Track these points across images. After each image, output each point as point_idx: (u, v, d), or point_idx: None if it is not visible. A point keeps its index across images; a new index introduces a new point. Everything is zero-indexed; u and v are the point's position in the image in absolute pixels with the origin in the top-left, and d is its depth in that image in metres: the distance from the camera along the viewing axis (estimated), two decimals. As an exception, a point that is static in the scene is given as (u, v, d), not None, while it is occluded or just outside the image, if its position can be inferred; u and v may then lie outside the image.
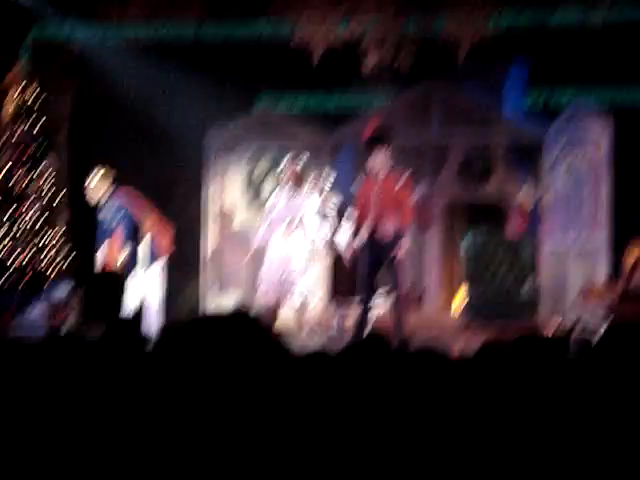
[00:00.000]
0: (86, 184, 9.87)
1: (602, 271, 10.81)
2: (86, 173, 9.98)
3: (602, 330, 9.53)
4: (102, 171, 9.87)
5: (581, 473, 2.30)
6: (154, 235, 9.87)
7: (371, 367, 2.99)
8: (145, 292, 9.83)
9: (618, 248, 10.50)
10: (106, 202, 9.85)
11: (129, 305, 9.79)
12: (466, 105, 11.73)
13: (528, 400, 2.71)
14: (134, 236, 9.79)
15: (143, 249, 9.79)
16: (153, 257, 9.85)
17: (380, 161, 9.11)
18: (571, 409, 2.61)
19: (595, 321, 9.56)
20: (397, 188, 9.20)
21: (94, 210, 10.00)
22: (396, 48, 11.16)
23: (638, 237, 11.08)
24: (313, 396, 2.69)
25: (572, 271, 11.14)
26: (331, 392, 2.78)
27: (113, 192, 9.88)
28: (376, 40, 11.25)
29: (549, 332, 10.33)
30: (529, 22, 11.20)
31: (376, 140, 9.19)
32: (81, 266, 11.02)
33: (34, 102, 11.34)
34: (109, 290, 10.07)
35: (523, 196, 11.42)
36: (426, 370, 2.89)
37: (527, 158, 11.59)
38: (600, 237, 10.87)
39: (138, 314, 9.56)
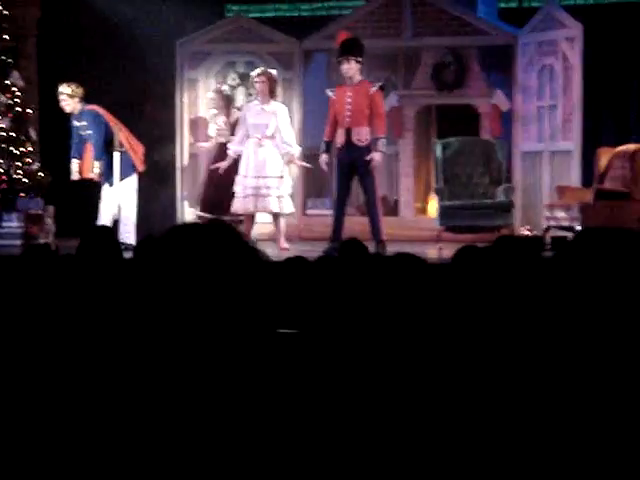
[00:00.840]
0: (58, 95, 9.77)
1: (575, 172, 10.84)
2: (56, 84, 9.86)
3: (577, 227, 9.63)
4: (73, 84, 9.77)
5: (559, 365, 2.34)
6: (128, 148, 9.83)
7: (350, 271, 3.02)
8: (120, 203, 9.81)
9: (590, 150, 10.52)
10: (79, 113, 9.78)
11: (104, 215, 9.77)
12: (438, 8, 11.61)
13: (506, 300, 2.74)
14: (109, 146, 9.74)
15: (117, 160, 9.74)
16: (128, 169, 9.81)
17: (352, 70, 9.15)
18: (547, 308, 2.64)
19: (570, 219, 9.62)
20: (370, 95, 9.20)
21: (66, 122, 9.91)
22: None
23: (610, 138, 11.13)
24: (293, 301, 2.73)
25: (546, 172, 11.17)
26: (311, 296, 2.81)
27: (85, 104, 9.80)
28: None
29: (524, 232, 10.41)
30: None
31: (347, 50, 9.19)
32: (55, 178, 10.95)
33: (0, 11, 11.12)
34: (84, 199, 10.04)
35: (497, 98, 11.39)
36: (405, 274, 2.91)
37: (501, 60, 11.53)
38: (573, 138, 10.88)
39: (113, 224, 9.56)
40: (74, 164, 9.92)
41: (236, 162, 9.96)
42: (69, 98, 9.76)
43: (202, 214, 10.44)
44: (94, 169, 9.82)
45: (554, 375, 2.33)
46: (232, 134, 10.38)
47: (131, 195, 9.87)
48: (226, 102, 10.88)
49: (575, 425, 2.24)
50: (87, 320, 2.89)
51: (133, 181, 9.90)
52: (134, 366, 2.27)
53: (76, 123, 9.84)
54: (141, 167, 9.94)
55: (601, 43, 11.13)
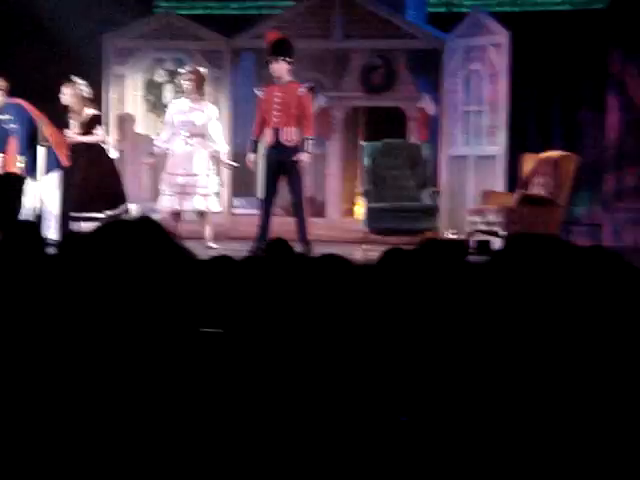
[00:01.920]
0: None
1: (500, 177, 10.96)
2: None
3: (501, 232, 9.74)
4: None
5: (482, 369, 2.36)
6: (53, 143, 9.71)
7: (276, 271, 3.02)
8: (44, 197, 9.70)
9: (515, 155, 10.65)
10: (3, 106, 9.65)
11: (27, 210, 9.65)
12: (368, 11, 11.67)
13: (432, 303, 2.76)
14: (33, 140, 9.62)
15: (42, 155, 9.63)
16: (52, 164, 9.70)
17: (281, 70, 9.15)
18: (473, 312, 2.66)
19: (493, 223, 9.72)
20: (298, 96, 9.21)
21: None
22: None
23: (534, 145, 11.28)
24: (220, 300, 2.72)
25: (471, 176, 11.28)
26: (237, 296, 2.81)
27: (9, 98, 9.68)
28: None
29: (449, 236, 10.51)
30: None
31: (277, 50, 9.19)
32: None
33: None
34: (7, 193, 9.90)
35: (424, 102, 11.47)
36: (331, 275, 2.92)
37: (428, 64, 11.62)
38: (498, 143, 11.00)
39: (37, 219, 9.44)
40: (-2, 155, 9.79)
41: (105, 156, 9.76)
42: (-5, 90, 9.63)
43: (76, 214, 9.84)
44: (17, 163, 9.69)
45: (485, 382, 2.35)
46: (85, 132, 9.92)
47: (54, 190, 9.77)
48: (79, 99, 9.99)
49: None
50: (7, 315, 2.85)
51: (57, 176, 9.79)
52: (56, 365, 2.23)
53: (0, 117, 9.71)
54: (65, 162, 9.83)
55: (527, 50, 11.25)
